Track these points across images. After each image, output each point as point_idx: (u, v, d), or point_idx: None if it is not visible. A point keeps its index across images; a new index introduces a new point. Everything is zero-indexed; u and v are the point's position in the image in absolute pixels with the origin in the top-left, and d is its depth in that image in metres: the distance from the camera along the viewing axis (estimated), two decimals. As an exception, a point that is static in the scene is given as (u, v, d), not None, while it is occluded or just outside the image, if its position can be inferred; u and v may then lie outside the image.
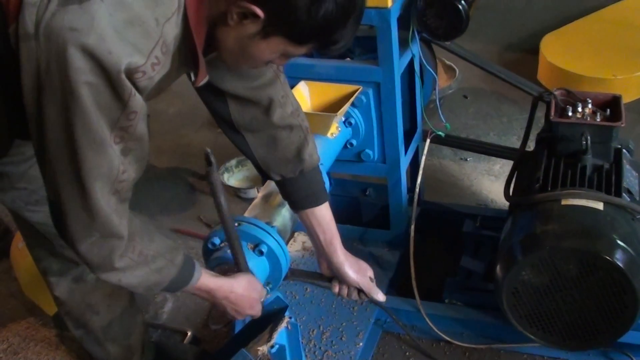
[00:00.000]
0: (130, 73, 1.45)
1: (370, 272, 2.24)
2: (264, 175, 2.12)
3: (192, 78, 1.70)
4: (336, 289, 2.22)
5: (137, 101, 1.51)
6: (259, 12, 1.48)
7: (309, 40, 1.57)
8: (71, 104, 1.45)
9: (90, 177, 1.54)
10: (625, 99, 2.65)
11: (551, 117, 2.52)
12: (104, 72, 1.42)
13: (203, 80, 1.71)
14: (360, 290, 2.21)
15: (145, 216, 1.76)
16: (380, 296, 2.24)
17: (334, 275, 2.22)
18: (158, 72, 1.52)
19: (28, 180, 2.04)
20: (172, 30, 1.52)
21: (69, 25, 1.39)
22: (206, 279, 1.90)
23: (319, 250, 2.19)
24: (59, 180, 1.57)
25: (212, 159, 1.72)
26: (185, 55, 1.60)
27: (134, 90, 1.48)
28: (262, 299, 2.05)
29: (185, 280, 1.85)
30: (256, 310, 2.03)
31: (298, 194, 2.09)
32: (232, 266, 1.96)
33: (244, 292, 1.95)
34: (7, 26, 1.48)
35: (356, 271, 2.19)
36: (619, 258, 2.17)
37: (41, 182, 1.64)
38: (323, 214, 2.13)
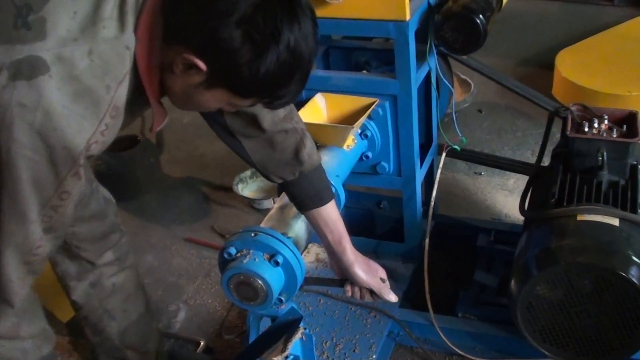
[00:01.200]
0: (80, 147, 1.51)
1: (381, 273, 2.20)
2: (266, 178, 2.12)
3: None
4: (349, 292, 2.19)
5: (75, 183, 1.57)
6: (201, 65, 1.51)
7: (252, 94, 1.59)
8: (6, 174, 1.49)
9: (3, 242, 1.59)
10: (642, 115, 2.65)
11: (568, 133, 2.52)
12: (47, 148, 1.47)
13: (160, 126, 1.74)
14: (372, 291, 2.19)
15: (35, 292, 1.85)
16: (392, 297, 2.19)
17: (345, 277, 2.20)
18: (109, 134, 1.57)
19: None
20: (124, 91, 1.55)
21: (17, 101, 1.42)
22: None
23: (329, 251, 2.17)
24: None
25: None
26: (140, 102, 1.63)
27: (76, 169, 1.53)
28: None
29: None
30: None
31: (301, 195, 2.09)
32: (247, 277, 1.96)
33: None
34: None
35: (366, 271, 2.15)
36: (634, 274, 2.16)
37: None
38: (329, 213, 2.11)
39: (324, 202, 2.10)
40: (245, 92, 1.58)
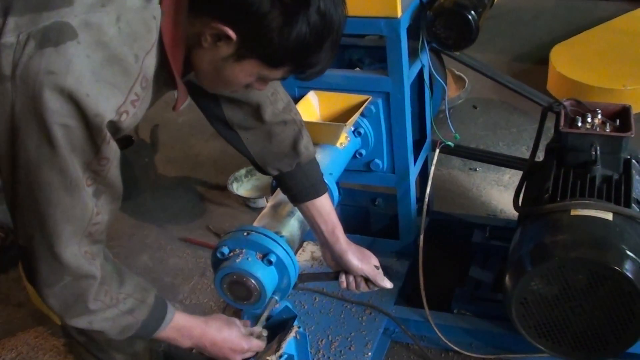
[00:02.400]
0: (111, 115, 1.46)
1: (374, 260, 2.20)
2: (261, 171, 2.12)
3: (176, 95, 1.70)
4: (344, 284, 2.19)
5: (110, 148, 1.52)
6: (231, 34, 1.48)
7: (283, 63, 1.56)
8: (46, 146, 1.44)
9: (62, 221, 1.54)
10: (635, 110, 2.65)
11: (561, 128, 2.52)
12: (81, 114, 1.42)
13: (183, 104, 1.70)
14: (367, 280, 2.18)
15: (115, 258, 1.78)
16: (386, 283, 2.20)
17: (339, 268, 2.19)
18: (139, 107, 1.53)
19: None
20: (151, 62, 1.52)
21: (46, 69, 1.38)
22: (180, 318, 1.94)
23: (322, 242, 2.18)
24: (29, 225, 1.57)
25: None
26: (165, 79, 1.60)
27: (108, 136, 1.49)
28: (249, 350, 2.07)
29: (159, 320, 1.87)
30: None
31: (297, 187, 2.09)
32: (240, 277, 1.96)
33: (217, 334, 2.02)
34: None
35: (360, 259, 2.16)
36: (628, 268, 2.16)
37: None
38: (323, 204, 2.12)
39: (318, 194, 2.10)
40: (277, 61, 1.54)
